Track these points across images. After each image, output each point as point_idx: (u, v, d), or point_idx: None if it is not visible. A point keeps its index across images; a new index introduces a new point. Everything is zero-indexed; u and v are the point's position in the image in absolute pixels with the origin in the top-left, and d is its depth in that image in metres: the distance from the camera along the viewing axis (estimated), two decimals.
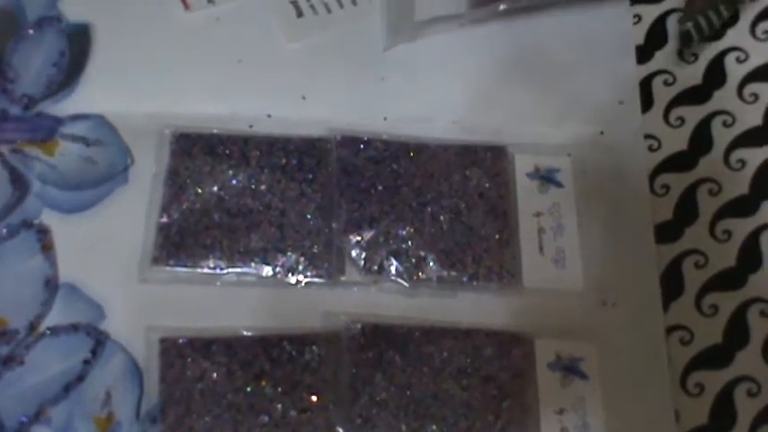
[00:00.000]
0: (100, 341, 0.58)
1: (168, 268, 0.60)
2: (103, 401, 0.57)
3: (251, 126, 0.65)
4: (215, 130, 0.64)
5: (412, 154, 0.65)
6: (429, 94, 0.68)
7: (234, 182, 0.63)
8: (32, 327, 0.58)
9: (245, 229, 0.62)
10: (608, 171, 0.66)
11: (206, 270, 0.60)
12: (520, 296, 0.62)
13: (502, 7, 0.69)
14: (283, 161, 0.64)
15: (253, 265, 0.61)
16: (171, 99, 0.66)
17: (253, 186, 0.63)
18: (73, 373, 0.57)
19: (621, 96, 0.69)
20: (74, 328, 0.59)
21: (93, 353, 0.58)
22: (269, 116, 0.66)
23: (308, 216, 0.62)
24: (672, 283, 0.63)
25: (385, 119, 0.67)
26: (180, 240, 0.61)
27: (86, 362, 0.58)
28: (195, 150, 0.63)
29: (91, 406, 0.57)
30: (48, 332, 0.58)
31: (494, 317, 0.61)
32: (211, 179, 0.63)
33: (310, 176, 0.63)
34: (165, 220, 0.61)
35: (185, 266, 0.60)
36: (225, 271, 0.61)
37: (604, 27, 0.71)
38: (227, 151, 0.64)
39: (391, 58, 0.69)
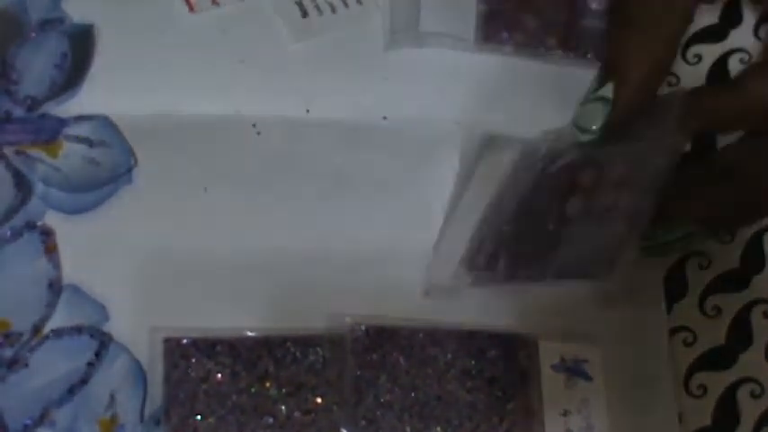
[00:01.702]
0: (104, 343, 0.58)
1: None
2: (107, 404, 0.57)
3: (254, 125, 0.65)
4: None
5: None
6: (433, 94, 0.68)
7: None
8: (36, 329, 0.58)
9: None
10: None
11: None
12: (524, 297, 0.62)
13: (506, 49, 0.70)
14: None
15: None
16: (174, 100, 0.65)
17: None
18: (77, 376, 0.57)
19: None
20: (77, 330, 0.58)
21: (97, 355, 0.58)
22: (272, 116, 0.66)
23: None
24: (675, 285, 0.63)
25: (384, 118, 0.67)
26: None
27: (90, 364, 0.58)
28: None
29: (95, 408, 0.57)
30: (51, 334, 0.58)
31: (498, 318, 0.61)
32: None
33: None
34: None
35: None
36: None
37: None
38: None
39: (395, 57, 0.69)
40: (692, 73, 0.69)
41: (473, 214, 0.60)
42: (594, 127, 0.55)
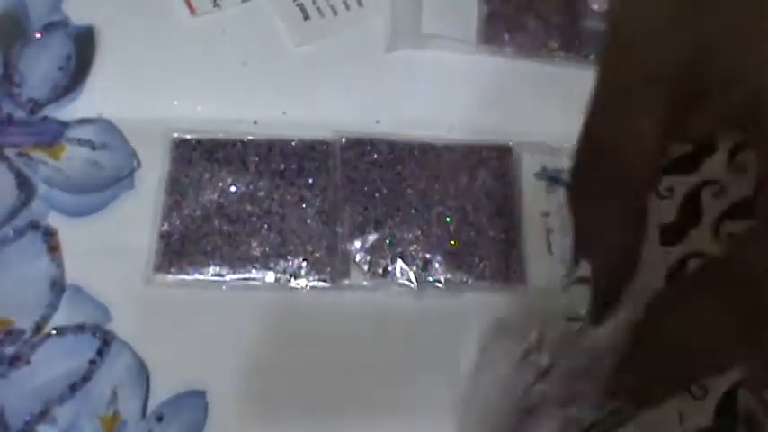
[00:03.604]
0: (106, 341, 0.58)
1: (170, 276, 0.61)
2: (109, 400, 0.57)
3: (255, 123, 0.66)
4: (220, 134, 0.64)
5: (417, 155, 0.65)
6: (435, 95, 0.68)
7: (233, 188, 0.63)
8: (38, 327, 0.59)
9: (246, 235, 0.62)
10: None
11: (207, 277, 0.61)
12: (527, 296, 0.62)
13: (508, 50, 0.70)
14: (282, 166, 0.64)
15: (254, 271, 0.61)
16: (176, 103, 0.66)
17: (251, 192, 0.63)
18: (79, 373, 0.58)
19: None
20: (80, 328, 0.59)
21: (100, 353, 0.58)
22: (274, 118, 0.66)
23: (309, 221, 0.62)
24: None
25: (389, 121, 0.67)
26: (181, 248, 0.61)
27: (92, 362, 0.58)
28: (195, 156, 0.64)
29: (97, 405, 0.57)
30: (54, 332, 0.59)
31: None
32: (211, 186, 0.63)
33: (310, 181, 0.64)
34: (165, 227, 0.62)
35: (187, 274, 0.61)
36: (227, 277, 0.61)
37: None
38: (226, 156, 0.64)
39: (397, 59, 0.69)
40: None
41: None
42: (584, 311, 0.50)
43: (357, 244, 0.62)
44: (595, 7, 0.70)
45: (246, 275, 0.61)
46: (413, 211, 0.63)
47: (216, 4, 0.69)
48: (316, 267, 0.61)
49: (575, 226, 0.48)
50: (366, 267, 0.61)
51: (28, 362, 0.58)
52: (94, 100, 0.66)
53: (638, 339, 0.45)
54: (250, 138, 0.64)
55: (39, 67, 0.66)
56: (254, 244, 0.61)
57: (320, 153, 0.64)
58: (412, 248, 0.62)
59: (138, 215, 0.62)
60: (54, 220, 0.62)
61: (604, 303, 0.48)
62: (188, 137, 0.64)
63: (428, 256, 0.62)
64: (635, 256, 0.46)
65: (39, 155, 0.63)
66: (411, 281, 0.61)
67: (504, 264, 0.62)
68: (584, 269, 0.50)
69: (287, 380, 0.59)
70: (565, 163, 0.65)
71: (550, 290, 0.62)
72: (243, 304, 0.60)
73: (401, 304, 0.61)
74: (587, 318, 0.50)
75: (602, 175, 0.45)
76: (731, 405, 0.60)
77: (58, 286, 0.60)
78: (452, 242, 0.63)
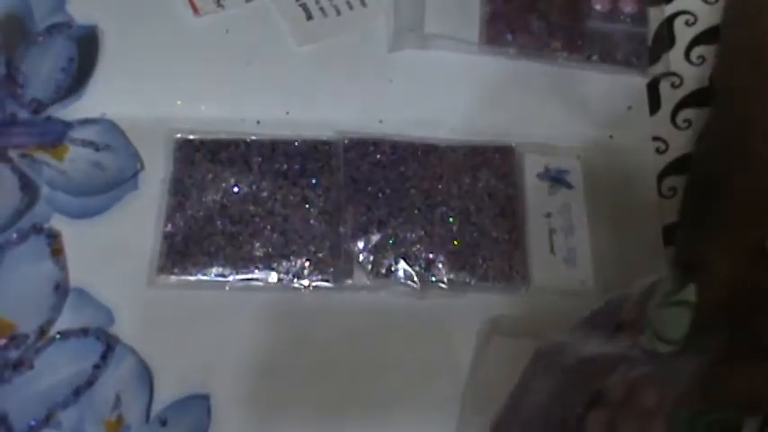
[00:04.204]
0: (110, 345, 0.59)
1: (173, 277, 0.61)
2: (113, 404, 0.57)
3: (258, 123, 0.66)
4: (222, 135, 0.64)
5: (420, 156, 0.65)
6: (438, 95, 0.68)
7: (236, 189, 0.63)
8: (42, 331, 0.59)
9: (248, 236, 0.62)
10: (617, 174, 0.66)
11: (211, 278, 0.61)
12: (530, 296, 0.62)
13: (511, 51, 0.70)
14: (285, 167, 0.64)
15: (257, 271, 0.61)
16: (180, 103, 0.66)
17: (254, 193, 0.63)
18: (83, 377, 0.58)
19: (630, 102, 0.69)
20: (83, 332, 0.59)
21: (104, 357, 0.58)
22: (277, 118, 0.66)
23: (312, 221, 0.62)
24: None
25: (392, 121, 0.67)
26: (184, 249, 0.61)
27: (96, 366, 0.58)
28: (198, 157, 0.64)
29: (101, 409, 0.57)
30: (58, 336, 0.59)
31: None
32: (214, 187, 0.63)
33: (313, 181, 0.64)
34: (169, 228, 0.62)
35: (190, 275, 0.61)
36: (230, 278, 0.61)
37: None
38: (230, 157, 0.64)
39: (399, 59, 0.69)
40: (696, 73, 0.69)
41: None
42: (679, 336, 0.48)
43: (360, 244, 0.62)
44: (598, 8, 0.70)
45: (249, 276, 0.61)
46: (416, 211, 0.63)
47: (219, 4, 0.69)
48: (319, 267, 0.61)
49: (682, 247, 0.47)
50: (369, 267, 0.61)
51: (32, 366, 0.58)
52: (98, 100, 0.66)
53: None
54: (253, 138, 0.64)
55: (42, 68, 0.66)
56: (257, 244, 0.61)
57: (323, 153, 0.64)
58: (415, 249, 0.62)
59: (142, 216, 0.62)
60: (57, 222, 0.62)
61: (706, 329, 0.46)
62: (191, 137, 0.64)
63: (431, 256, 0.62)
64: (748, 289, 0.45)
65: (42, 156, 0.63)
66: (414, 281, 0.61)
67: (507, 264, 0.62)
68: (689, 293, 0.48)
69: (290, 381, 0.59)
70: (567, 163, 0.66)
71: (553, 289, 0.63)
72: (246, 305, 0.61)
73: (404, 304, 0.62)
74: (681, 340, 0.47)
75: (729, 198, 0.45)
76: None
77: (61, 289, 0.60)
78: (455, 242, 0.63)
